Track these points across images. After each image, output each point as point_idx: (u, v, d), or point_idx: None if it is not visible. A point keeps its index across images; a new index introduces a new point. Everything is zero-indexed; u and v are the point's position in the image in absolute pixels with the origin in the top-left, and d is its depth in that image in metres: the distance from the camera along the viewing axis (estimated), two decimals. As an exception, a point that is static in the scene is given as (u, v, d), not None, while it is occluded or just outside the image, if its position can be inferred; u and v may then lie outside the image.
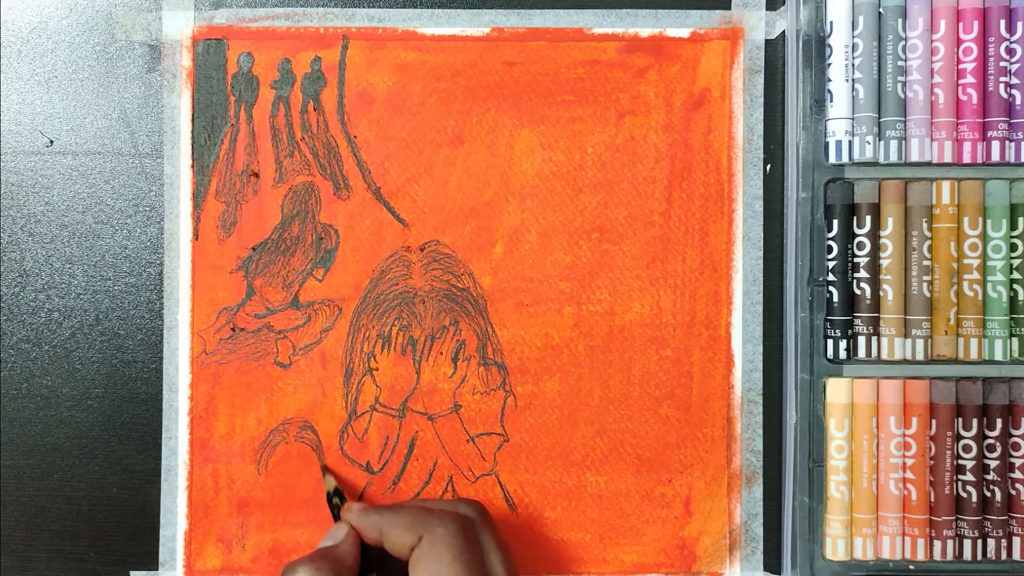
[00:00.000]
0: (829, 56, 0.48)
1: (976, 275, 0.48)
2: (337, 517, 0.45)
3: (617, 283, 0.49)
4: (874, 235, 0.48)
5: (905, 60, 0.48)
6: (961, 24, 0.48)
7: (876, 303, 0.48)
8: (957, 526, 0.48)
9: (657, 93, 0.49)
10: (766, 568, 0.49)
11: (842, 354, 0.48)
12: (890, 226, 0.48)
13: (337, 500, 0.46)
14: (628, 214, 0.49)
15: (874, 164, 0.48)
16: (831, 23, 0.48)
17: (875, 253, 0.48)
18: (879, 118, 0.48)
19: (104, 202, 0.50)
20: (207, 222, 0.49)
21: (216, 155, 0.49)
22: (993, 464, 0.48)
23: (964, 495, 0.48)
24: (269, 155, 0.49)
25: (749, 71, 0.49)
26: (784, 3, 0.49)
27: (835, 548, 0.48)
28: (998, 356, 0.48)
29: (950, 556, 0.48)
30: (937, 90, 0.48)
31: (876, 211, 0.48)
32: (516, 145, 0.49)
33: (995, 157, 0.47)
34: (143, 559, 0.49)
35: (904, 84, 0.48)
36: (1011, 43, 0.48)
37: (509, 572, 0.43)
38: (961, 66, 0.48)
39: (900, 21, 0.48)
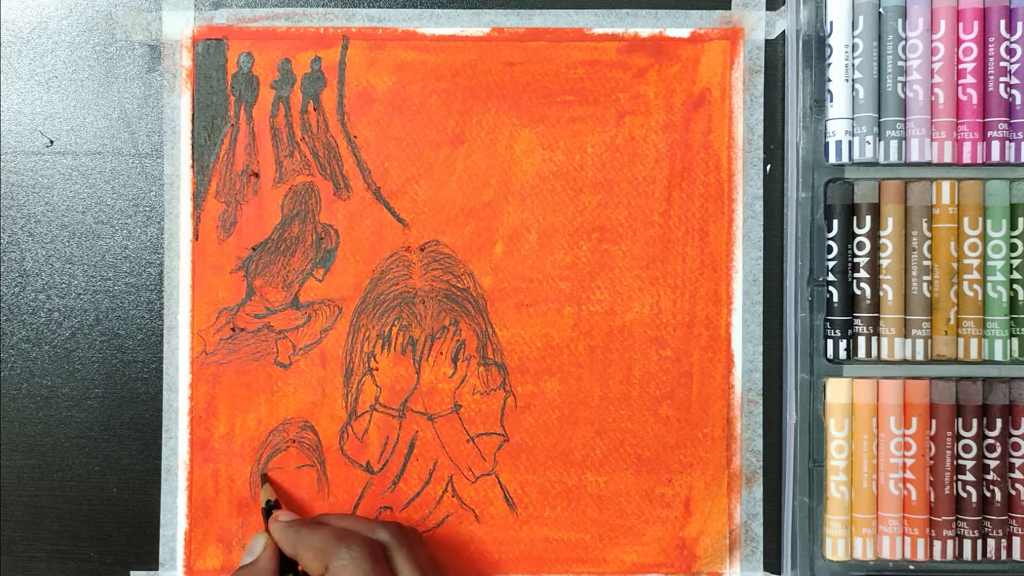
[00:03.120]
0: (829, 56, 0.48)
1: (976, 275, 0.48)
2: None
3: (617, 283, 0.49)
4: (874, 235, 0.48)
5: (905, 60, 0.48)
6: (961, 24, 0.48)
7: (876, 303, 0.48)
8: (957, 526, 0.48)
9: (657, 93, 0.49)
10: (766, 568, 0.49)
11: (842, 354, 0.48)
12: (890, 226, 0.48)
13: (272, 509, 0.47)
14: (628, 214, 0.49)
15: (874, 164, 0.48)
16: (831, 23, 0.48)
17: (875, 253, 0.48)
18: (879, 118, 0.48)
19: (104, 202, 0.50)
20: (207, 222, 0.49)
21: (216, 155, 0.49)
22: (993, 464, 0.48)
23: (964, 495, 0.48)
24: (269, 155, 0.49)
25: (749, 71, 0.49)
26: (784, 3, 0.49)
27: (835, 548, 0.48)
28: (998, 356, 0.48)
29: (950, 556, 0.48)
30: (937, 90, 0.48)
31: (876, 211, 0.48)
32: (516, 145, 0.49)
33: (995, 157, 0.47)
34: (143, 559, 0.49)
35: (904, 84, 0.48)
36: (1011, 43, 0.48)
37: None
38: (961, 66, 0.48)
39: (900, 21, 0.48)
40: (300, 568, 0.44)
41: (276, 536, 0.45)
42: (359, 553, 0.42)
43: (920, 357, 0.48)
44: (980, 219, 0.48)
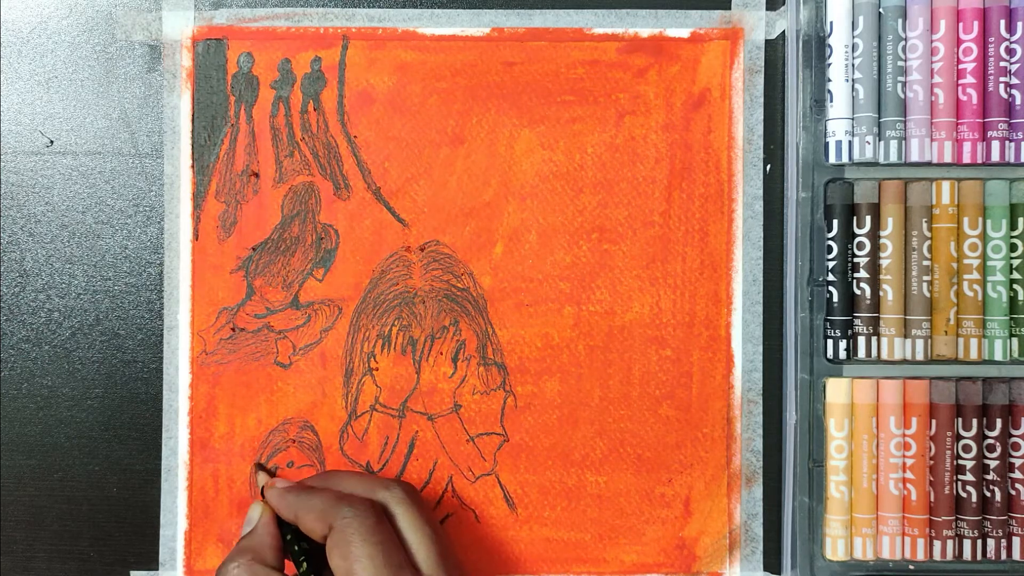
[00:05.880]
0: (829, 56, 0.48)
1: (976, 275, 0.48)
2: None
3: (617, 283, 0.49)
4: (874, 235, 0.48)
5: (905, 60, 0.48)
6: (961, 24, 0.48)
7: (876, 303, 0.48)
8: (957, 526, 0.48)
9: (657, 93, 0.49)
10: (766, 568, 0.49)
11: (842, 354, 0.48)
12: (890, 226, 0.48)
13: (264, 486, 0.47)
14: (628, 214, 0.49)
15: (874, 164, 0.48)
16: (831, 23, 0.48)
17: (875, 253, 0.48)
18: (879, 118, 0.48)
19: (104, 202, 0.50)
20: (207, 222, 0.49)
21: (216, 155, 0.49)
22: (993, 464, 0.48)
23: (964, 495, 0.48)
24: (269, 155, 0.49)
25: (749, 71, 0.49)
26: (784, 3, 0.49)
27: (835, 548, 0.48)
28: (998, 356, 0.48)
29: (950, 556, 0.48)
30: (937, 90, 0.48)
31: (876, 211, 0.48)
32: (516, 145, 0.49)
33: (995, 157, 0.47)
34: (143, 559, 0.49)
35: (904, 84, 0.48)
36: (1011, 43, 0.48)
37: (438, 552, 0.43)
38: (961, 66, 0.48)
39: (900, 21, 0.48)
40: (297, 534, 0.44)
41: (274, 502, 0.45)
42: (362, 511, 0.42)
43: (920, 357, 0.48)
44: (980, 219, 0.48)
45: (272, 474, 0.48)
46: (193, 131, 0.49)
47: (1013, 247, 0.48)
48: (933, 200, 0.48)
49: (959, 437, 0.48)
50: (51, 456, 0.49)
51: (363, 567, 0.40)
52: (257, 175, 0.49)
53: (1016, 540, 0.48)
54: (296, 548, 0.44)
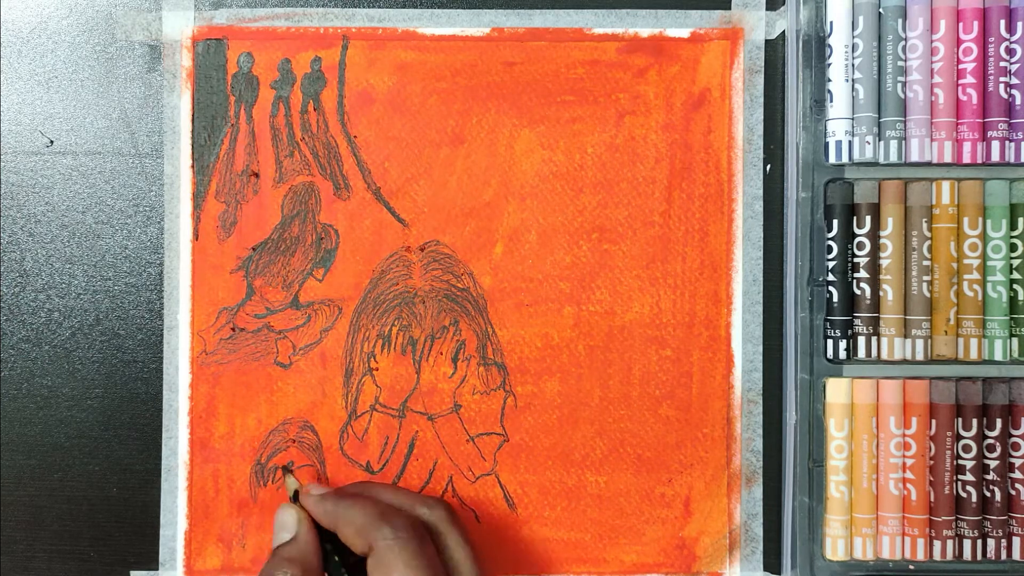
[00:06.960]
0: (829, 56, 0.48)
1: (976, 275, 0.48)
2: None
3: (617, 283, 0.49)
4: (874, 235, 0.48)
5: (905, 60, 0.48)
6: (961, 24, 0.48)
7: (876, 303, 0.48)
8: (957, 526, 0.48)
9: (657, 93, 0.49)
10: (766, 568, 0.49)
11: (842, 354, 0.48)
12: (890, 226, 0.48)
13: (297, 492, 0.46)
14: (628, 214, 0.49)
15: (874, 164, 0.48)
16: (831, 23, 0.48)
17: (875, 253, 0.48)
18: (879, 118, 0.48)
19: (104, 202, 0.50)
20: (207, 222, 0.49)
21: (216, 155, 0.49)
22: (993, 464, 0.48)
23: (964, 495, 0.48)
24: (269, 155, 0.49)
25: (749, 71, 0.49)
26: (784, 3, 0.49)
27: (835, 548, 0.48)
28: (998, 356, 0.48)
29: (950, 556, 0.48)
30: (937, 90, 0.48)
31: (876, 211, 0.48)
32: (516, 145, 0.49)
33: (995, 157, 0.48)
34: (143, 559, 0.49)
35: (904, 84, 0.48)
36: (1011, 43, 0.48)
37: (476, 573, 0.43)
38: (961, 66, 0.48)
39: (900, 21, 0.48)
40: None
41: (312, 508, 0.44)
42: (405, 533, 0.41)
43: (920, 357, 0.48)
44: (980, 219, 0.48)
45: (289, 472, 0.48)
46: (193, 131, 0.49)
47: (1013, 247, 0.48)
48: (933, 200, 0.48)
49: (959, 437, 0.48)
50: (51, 456, 0.49)
51: None
52: (257, 175, 0.49)
53: (1016, 540, 0.48)
54: (336, 559, 0.44)
